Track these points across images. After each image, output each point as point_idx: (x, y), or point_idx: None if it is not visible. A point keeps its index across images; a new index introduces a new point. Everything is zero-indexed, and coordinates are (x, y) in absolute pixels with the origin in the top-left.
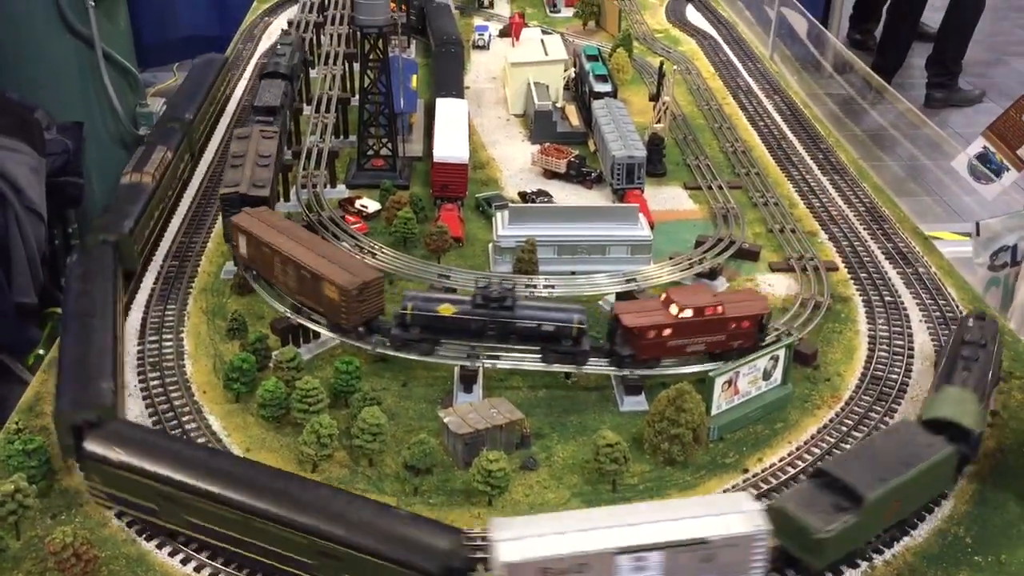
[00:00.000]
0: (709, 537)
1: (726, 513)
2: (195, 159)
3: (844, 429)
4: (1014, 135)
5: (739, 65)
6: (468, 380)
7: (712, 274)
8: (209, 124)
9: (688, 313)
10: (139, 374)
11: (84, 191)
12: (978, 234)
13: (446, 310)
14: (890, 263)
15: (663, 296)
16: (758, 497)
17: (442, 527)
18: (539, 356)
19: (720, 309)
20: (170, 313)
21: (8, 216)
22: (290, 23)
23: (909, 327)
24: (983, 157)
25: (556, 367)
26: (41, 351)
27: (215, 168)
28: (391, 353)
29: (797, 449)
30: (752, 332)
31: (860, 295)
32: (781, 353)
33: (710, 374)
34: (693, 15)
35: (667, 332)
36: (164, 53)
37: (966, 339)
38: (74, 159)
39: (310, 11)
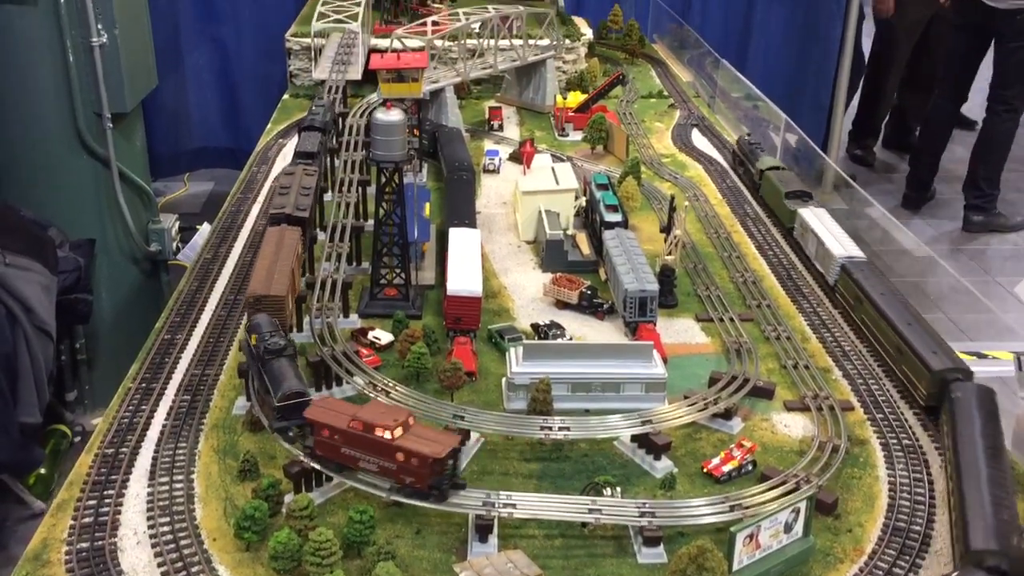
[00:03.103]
0: None
1: None
2: None
3: None
4: None
5: (746, 191)
6: (484, 530)
7: (727, 414)
8: None
9: (357, 426)
10: (148, 519)
11: (93, 308)
12: (1020, 368)
13: (253, 338)
14: (906, 403)
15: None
16: None
17: None
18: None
19: (388, 436)
20: (181, 452)
21: (17, 336)
22: (319, 98)
23: (929, 474)
24: None
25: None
26: (43, 470)
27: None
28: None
29: None
30: (423, 474)
31: (877, 437)
32: (803, 505)
33: (731, 529)
34: (699, 140)
35: (336, 437)
36: (175, 163)
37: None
38: (85, 276)
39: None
